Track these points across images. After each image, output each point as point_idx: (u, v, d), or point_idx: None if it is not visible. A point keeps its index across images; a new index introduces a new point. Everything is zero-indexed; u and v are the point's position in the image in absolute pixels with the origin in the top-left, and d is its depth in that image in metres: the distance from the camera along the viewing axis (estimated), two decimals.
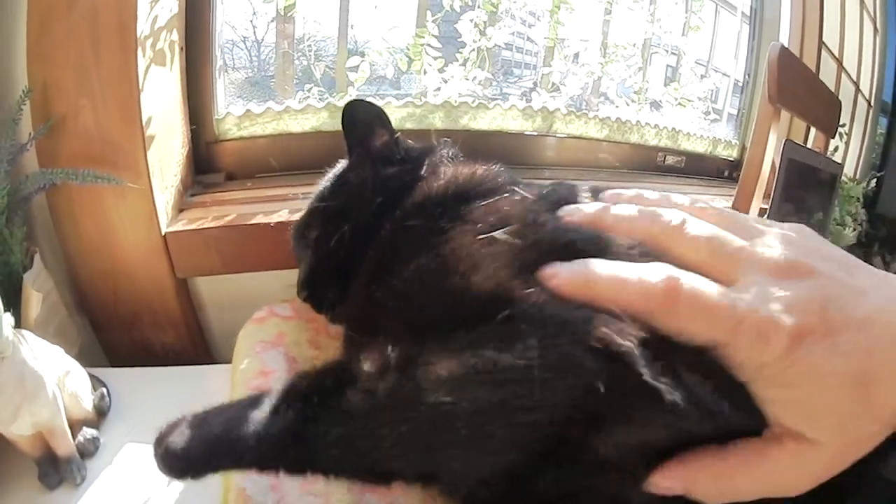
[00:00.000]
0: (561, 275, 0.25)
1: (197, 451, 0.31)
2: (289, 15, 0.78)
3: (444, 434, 0.25)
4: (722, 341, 0.22)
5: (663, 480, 0.24)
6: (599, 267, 0.25)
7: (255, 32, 0.90)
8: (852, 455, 0.22)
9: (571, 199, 0.34)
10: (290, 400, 0.30)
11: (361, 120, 0.45)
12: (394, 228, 0.37)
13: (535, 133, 0.87)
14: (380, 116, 0.45)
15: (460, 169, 0.40)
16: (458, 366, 0.24)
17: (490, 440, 0.24)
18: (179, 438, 0.31)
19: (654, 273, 0.24)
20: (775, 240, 0.25)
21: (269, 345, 0.48)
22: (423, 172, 0.41)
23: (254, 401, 0.31)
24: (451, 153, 0.44)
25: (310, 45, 0.82)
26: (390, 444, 0.26)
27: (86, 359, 0.50)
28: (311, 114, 0.75)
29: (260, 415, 0.30)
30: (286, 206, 0.61)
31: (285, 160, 0.75)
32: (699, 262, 0.25)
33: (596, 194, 0.34)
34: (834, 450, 0.22)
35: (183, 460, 0.31)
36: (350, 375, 0.28)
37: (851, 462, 0.23)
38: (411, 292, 0.31)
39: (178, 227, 0.59)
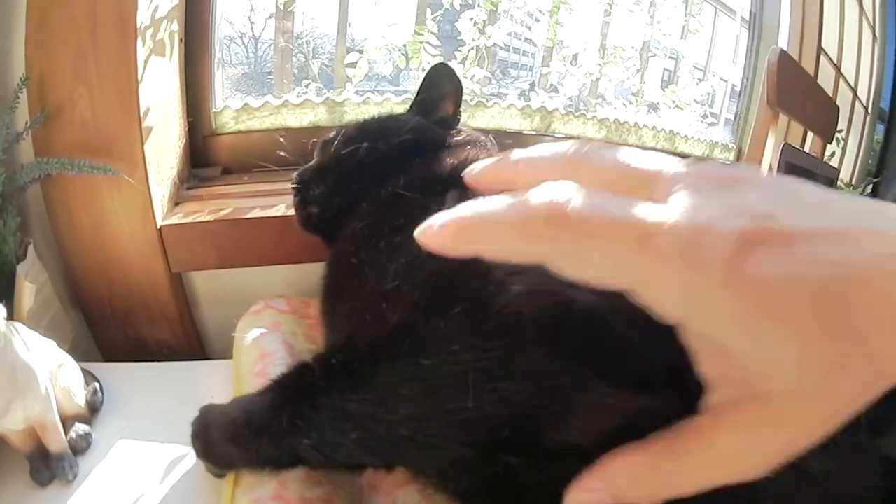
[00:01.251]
0: (427, 234, 0.19)
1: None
2: (288, 10, 0.79)
3: (386, 440, 0.27)
4: (631, 270, 0.16)
5: (580, 494, 0.20)
6: (465, 210, 0.18)
7: (252, 29, 0.91)
8: (841, 410, 0.17)
9: None
10: (280, 402, 0.31)
11: (442, 83, 0.49)
12: (391, 193, 0.39)
13: (534, 132, 0.88)
14: (457, 90, 0.49)
15: (479, 153, 0.41)
16: (390, 375, 0.26)
17: (431, 439, 0.26)
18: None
19: (534, 196, 0.17)
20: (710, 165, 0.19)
21: (266, 330, 0.48)
22: (448, 150, 0.43)
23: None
24: (489, 144, 0.46)
25: (307, 42, 0.82)
26: (346, 449, 0.28)
27: (79, 353, 0.50)
28: (309, 109, 0.75)
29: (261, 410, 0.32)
30: (283, 201, 0.61)
31: (282, 155, 0.75)
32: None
33: None
34: (812, 402, 0.17)
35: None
36: (312, 382, 0.30)
37: (840, 421, 0.17)
38: (387, 266, 0.32)
39: (174, 220, 0.59)
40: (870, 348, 0.16)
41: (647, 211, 0.16)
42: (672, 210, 0.16)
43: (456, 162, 0.40)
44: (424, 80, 0.50)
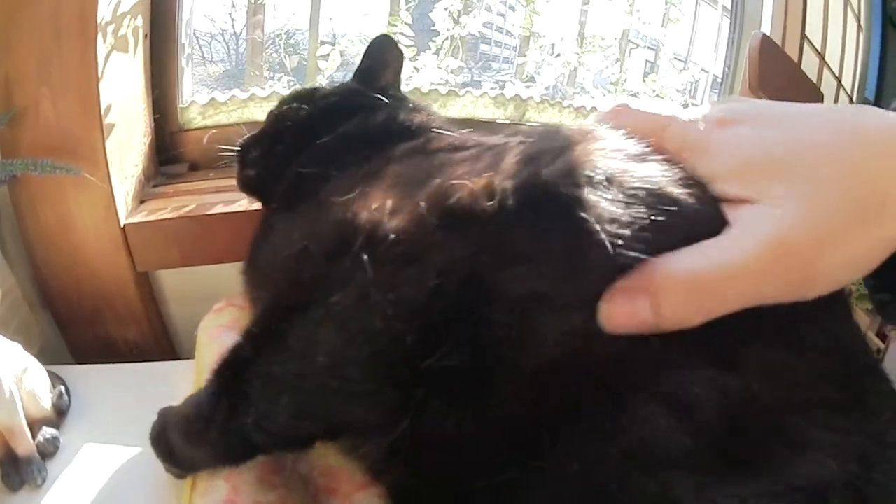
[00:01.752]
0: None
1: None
2: (258, 3, 0.78)
3: (316, 396, 0.27)
4: (654, 133, 0.26)
5: (617, 304, 0.21)
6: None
7: (233, 25, 0.91)
8: (829, 233, 0.20)
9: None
10: (220, 387, 0.31)
11: (384, 53, 0.51)
12: (320, 146, 0.42)
13: (508, 121, 0.88)
14: (398, 60, 0.52)
15: (410, 116, 0.43)
16: (303, 325, 0.27)
17: (356, 385, 0.26)
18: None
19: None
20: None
21: (225, 328, 0.49)
22: (381, 112, 0.45)
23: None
24: (428, 112, 0.47)
25: (281, 37, 0.82)
26: (283, 418, 0.28)
27: (49, 355, 0.50)
28: (276, 101, 0.74)
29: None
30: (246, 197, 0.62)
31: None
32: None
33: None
34: (795, 205, 0.20)
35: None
36: (242, 357, 0.30)
37: (835, 248, 0.20)
38: (293, 231, 0.34)
39: (137, 218, 0.59)
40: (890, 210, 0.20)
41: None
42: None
43: (377, 122, 0.42)
44: (367, 50, 0.52)
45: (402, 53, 0.53)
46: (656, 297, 0.20)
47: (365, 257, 0.25)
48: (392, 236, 0.26)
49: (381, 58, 0.51)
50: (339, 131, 0.43)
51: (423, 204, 0.26)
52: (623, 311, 0.21)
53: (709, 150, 0.24)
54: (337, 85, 0.52)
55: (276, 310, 0.30)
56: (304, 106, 0.47)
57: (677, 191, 0.23)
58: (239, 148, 0.51)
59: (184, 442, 0.34)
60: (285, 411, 0.27)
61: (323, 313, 0.26)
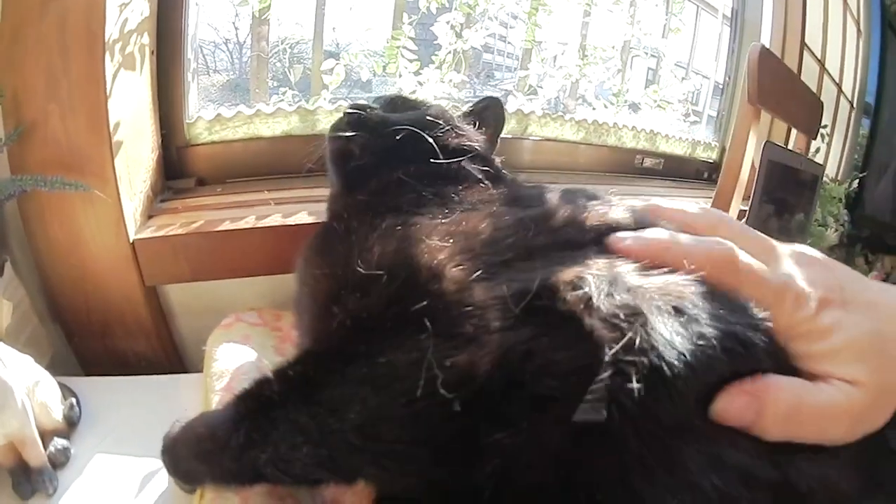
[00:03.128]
0: (634, 239, 0.30)
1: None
2: (263, 17, 0.80)
3: (338, 453, 0.28)
4: (768, 303, 0.28)
5: (733, 400, 0.25)
6: (673, 235, 0.31)
7: (237, 34, 0.92)
8: (890, 401, 0.27)
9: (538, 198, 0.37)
10: (240, 417, 0.32)
11: (489, 113, 0.55)
12: (433, 166, 0.43)
13: (510, 136, 0.90)
14: (498, 124, 0.56)
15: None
16: (342, 382, 0.28)
17: (381, 446, 0.27)
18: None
19: (715, 242, 0.30)
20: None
21: (235, 344, 0.51)
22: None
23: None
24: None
25: (285, 49, 0.84)
26: (300, 464, 0.28)
27: (59, 367, 0.52)
28: (281, 118, 0.77)
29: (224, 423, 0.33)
30: (255, 212, 0.63)
31: (256, 165, 0.77)
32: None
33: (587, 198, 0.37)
34: (872, 388, 0.26)
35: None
36: (269, 396, 0.31)
37: (891, 409, 0.26)
38: (388, 238, 0.34)
39: (147, 233, 0.61)
40: None
41: (778, 273, 0.30)
42: (788, 275, 0.29)
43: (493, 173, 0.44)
44: (479, 102, 0.56)
45: (504, 120, 0.57)
46: (764, 407, 0.25)
47: (427, 323, 0.26)
48: (467, 309, 0.27)
49: (485, 116, 0.54)
50: (458, 164, 0.44)
51: (508, 292, 0.27)
52: (735, 406, 0.25)
53: (813, 332, 0.28)
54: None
55: (316, 358, 0.31)
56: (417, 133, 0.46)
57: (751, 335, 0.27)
58: (358, 113, 0.49)
59: (193, 459, 0.35)
60: (304, 459, 0.28)
61: (365, 373, 0.27)
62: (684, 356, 0.24)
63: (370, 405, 0.26)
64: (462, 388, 0.25)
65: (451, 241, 0.31)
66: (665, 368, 0.24)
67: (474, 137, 0.49)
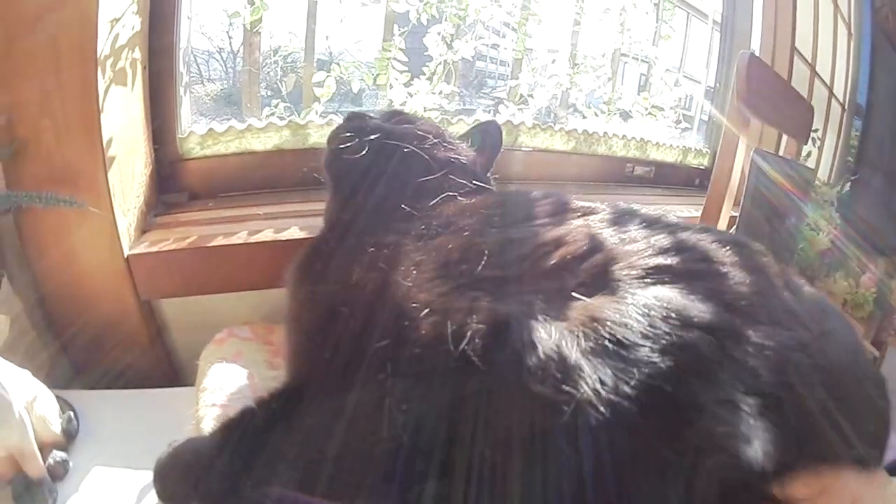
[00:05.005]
0: None
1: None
2: (255, 30, 0.82)
3: (315, 480, 0.30)
4: None
5: (801, 486, 0.26)
6: None
7: (230, 43, 0.94)
8: None
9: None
10: (224, 444, 0.35)
11: (487, 137, 0.59)
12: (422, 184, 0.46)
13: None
14: (495, 147, 0.59)
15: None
16: (319, 413, 0.30)
17: (354, 477, 0.29)
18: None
19: None
20: None
21: (227, 362, 0.53)
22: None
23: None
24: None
25: (276, 61, 0.86)
26: (281, 486, 0.31)
27: (57, 380, 0.53)
28: (273, 132, 0.79)
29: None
30: (247, 227, 0.65)
31: (248, 179, 0.79)
32: None
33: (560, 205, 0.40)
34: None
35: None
36: (253, 426, 0.34)
37: None
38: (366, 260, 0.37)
39: (141, 249, 0.63)
40: None
41: None
42: None
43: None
44: (477, 125, 0.60)
45: (501, 143, 0.60)
46: None
47: (388, 365, 0.29)
48: (417, 351, 0.29)
49: (482, 139, 0.58)
50: (444, 176, 0.47)
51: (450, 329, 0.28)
52: None
53: None
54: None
55: (296, 392, 0.34)
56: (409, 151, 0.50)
57: None
58: (358, 119, 0.54)
59: (181, 483, 0.37)
60: (283, 482, 0.31)
61: (338, 408, 0.30)
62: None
63: (343, 440, 0.29)
64: (421, 433, 0.27)
65: (417, 271, 0.34)
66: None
67: (463, 152, 0.52)
